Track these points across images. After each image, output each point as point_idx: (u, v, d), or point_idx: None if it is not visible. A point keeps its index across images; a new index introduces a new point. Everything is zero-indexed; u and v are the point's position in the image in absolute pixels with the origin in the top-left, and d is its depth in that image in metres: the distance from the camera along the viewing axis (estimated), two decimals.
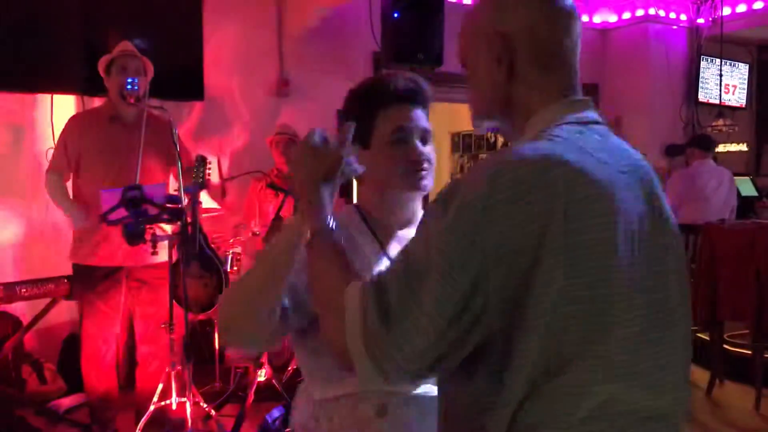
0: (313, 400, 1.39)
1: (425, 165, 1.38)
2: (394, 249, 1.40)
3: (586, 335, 0.94)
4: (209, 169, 3.44)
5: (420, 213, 1.47)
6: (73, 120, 3.43)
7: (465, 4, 5.73)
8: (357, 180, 1.45)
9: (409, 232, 1.42)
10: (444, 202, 0.98)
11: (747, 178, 6.42)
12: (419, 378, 1.04)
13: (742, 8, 6.38)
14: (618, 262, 0.95)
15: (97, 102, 3.94)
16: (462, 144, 8.77)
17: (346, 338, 0.98)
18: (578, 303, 0.92)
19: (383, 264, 1.36)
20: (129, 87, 3.20)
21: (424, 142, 1.40)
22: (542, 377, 0.95)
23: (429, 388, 1.32)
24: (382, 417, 1.32)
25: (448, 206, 0.96)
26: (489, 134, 8.27)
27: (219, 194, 4.36)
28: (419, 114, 1.40)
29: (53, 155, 3.41)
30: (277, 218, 4.00)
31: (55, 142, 3.51)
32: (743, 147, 7.30)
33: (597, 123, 1.09)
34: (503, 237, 0.91)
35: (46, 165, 3.49)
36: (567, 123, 1.05)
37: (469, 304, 0.92)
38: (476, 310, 0.93)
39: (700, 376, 4.55)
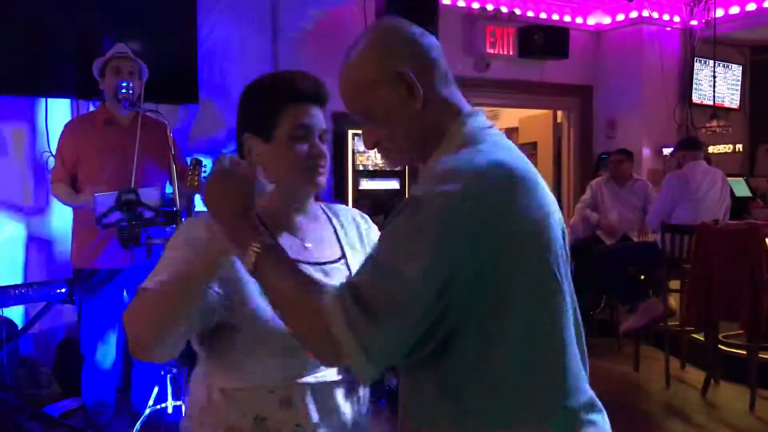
0: (214, 389, 1.37)
1: (323, 162, 1.41)
2: (285, 239, 1.40)
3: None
4: (204, 171, 3.44)
5: (312, 207, 1.52)
6: (67, 127, 3.43)
7: (460, 7, 5.74)
8: None
9: (301, 222, 1.47)
10: (413, 210, 1.08)
11: (741, 178, 6.43)
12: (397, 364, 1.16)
13: (735, 10, 6.40)
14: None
15: (91, 106, 3.94)
16: None
17: (342, 346, 1.04)
18: None
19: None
20: (123, 90, 3.20)
21: (322, 141, 1.43)
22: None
23: (331, 377, 1.36)
24: (286, 408, 1.33)
25: (417, 212, 1.07)
26: None
27: None
28: (319, 113, 1.43)
29: (54, 166, 3.43)
30: None
31: (50, 146, 3.51)
32: (737, 148, 7.32)
33: (491, 127, 1.25)
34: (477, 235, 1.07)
35: (41, 168, 3.50)
36: (480, 129, 1.21)
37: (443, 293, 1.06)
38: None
39: (695, 376, 4.57)
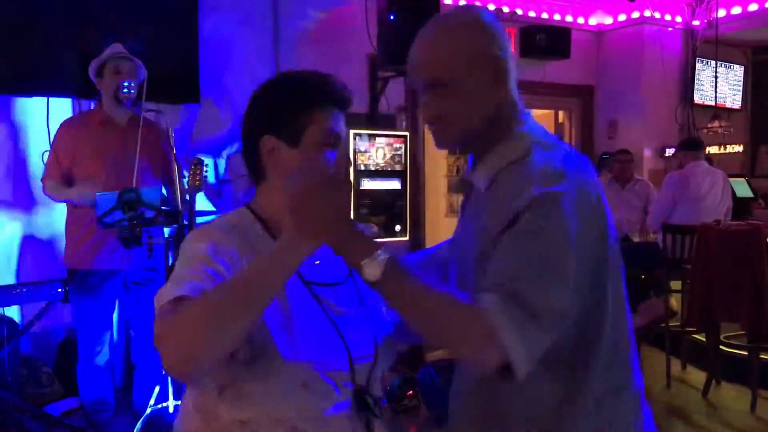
0: (216, 420, 1.24)
1: (349, 172, 1.37)
2: (324, 291, 1.30)
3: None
4: (205, 171, 3.44)
5: None
6: (63, 126, 3.42)
7: (461, 6, 5.74)
8: (254, 178, 1.35)
9: (324, 265, 1.34)
10: (541, 212, 1.13)
11: (742, 179, 6.43)
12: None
13: (737, 10, 6.40)
14: None
15: (93, 105, 3.94)
16: None
17: (507, 349, 1.07)
18: None
19: (309, 306, 1.29)
20: (125, 90, 3.20)
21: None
22: None
23: (345, 412, 1.27)
24: None
25: (546, 214, 1.13)
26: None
27: (215, 196, 4.36)
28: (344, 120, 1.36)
29: (47, 164, 3.39)
30: None
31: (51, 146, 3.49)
32: (739, 148, 7.32)
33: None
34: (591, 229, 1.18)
35: (41, 168, 3.48)
36: (541, 129, 1.30)
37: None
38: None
39: (697, 377, 4.56)
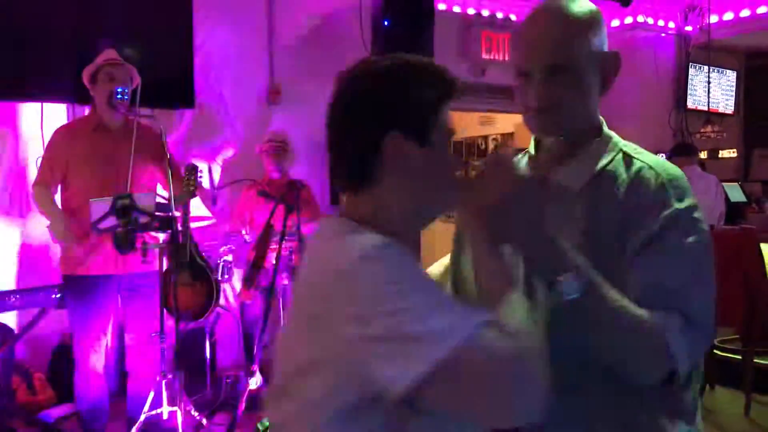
0: None
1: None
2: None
3: None
4: (200, 177, 3.44)
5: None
6: (57, 132, 3.42)
7: (455, 12, 5.76)
8: (357, 185, 1.11)
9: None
10: (691, 227, 1.19)
11: (736, 184, 6.46)
12: None
13: (729, 16, 6.43)
14: None
15: (87, 111, 3.93)
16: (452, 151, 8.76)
17: (676, 358, 1.13)
18: None
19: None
20: (119, 96, 3.20)
21: None
22: None
23: None
24: None
25: (695, 230, 1.19)
26: (480, 141, 8.31)
27: (210, 202, 4.36)
28: None
29: (39, 168, 3.39)
30: (268, 226, 4.00)
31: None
32: (732, 153, 7.35)
33: None
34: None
35: (36, 174, 3.48)
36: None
37: None
38: None
39: None
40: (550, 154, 1.35)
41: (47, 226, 3.32)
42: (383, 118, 1.05)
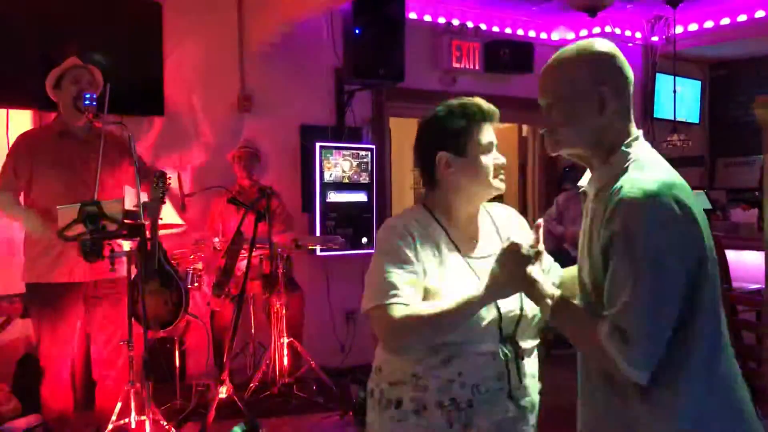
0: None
1: (504, 170, 1.74)
2: (455, 233, 1.72)
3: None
4: (169, 183, 3.41)
5: (481, 224, 1.79)
6: (21, 138, 3.38)
7: (426, 21, 5.80)
8: (429, 185, 1.75)
9: (471, 220, 1.76)
10: (628, 232, 1.34)
11: (701, 191, 6.58)
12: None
13: (693, 27, 6.57)
14: None
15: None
16: None
17: (620, 367, 1.35)
18: None
19: (466, 274, 1.67)
20: (87, 102, 3.17)
21: None
22: None
23: (490, 350, 1.64)
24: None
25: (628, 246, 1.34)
26: None
27: (179, 209, 4.33)
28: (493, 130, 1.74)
29: (1, 175, 3.33)
30: (239, 233, 3.98)
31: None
32: (697, 161, 7.49)
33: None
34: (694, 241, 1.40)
35: None
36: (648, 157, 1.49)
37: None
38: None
39: None
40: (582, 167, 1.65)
41: (23, 226, 3.25)
42: (431, 143, 1.72)
